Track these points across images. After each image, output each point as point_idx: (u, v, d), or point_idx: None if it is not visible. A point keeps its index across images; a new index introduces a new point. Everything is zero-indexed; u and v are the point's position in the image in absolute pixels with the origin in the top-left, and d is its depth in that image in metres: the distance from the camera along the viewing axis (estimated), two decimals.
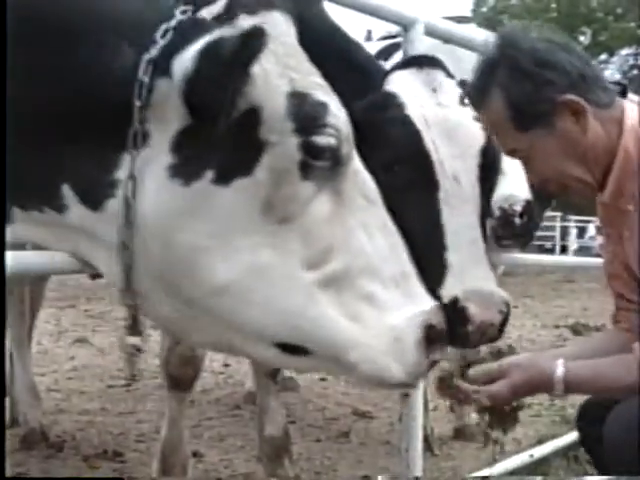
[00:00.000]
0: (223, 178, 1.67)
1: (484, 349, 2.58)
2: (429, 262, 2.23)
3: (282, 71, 1.72)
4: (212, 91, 1.60)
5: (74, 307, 9.75)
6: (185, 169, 1.66)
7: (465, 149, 2.60)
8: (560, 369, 2.23)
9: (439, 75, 2.72)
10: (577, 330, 9.17)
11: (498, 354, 2.40)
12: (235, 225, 1.69)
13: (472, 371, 2.31)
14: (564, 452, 4.16)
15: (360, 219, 1.79)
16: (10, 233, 1.81)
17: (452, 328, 1.97)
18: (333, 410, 5.47)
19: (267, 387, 3.84)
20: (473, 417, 4.85)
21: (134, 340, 1.85)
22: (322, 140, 1.70)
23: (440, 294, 2.37)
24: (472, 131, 2.62)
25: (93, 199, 1.72)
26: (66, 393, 5.67)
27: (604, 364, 2.31)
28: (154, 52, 1.65)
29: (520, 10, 33.10)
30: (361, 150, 1.90)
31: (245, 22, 1.79)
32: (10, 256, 1.69)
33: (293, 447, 3.94)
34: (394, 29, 4.55)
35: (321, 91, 1.76)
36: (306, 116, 1.70)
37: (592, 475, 3.99)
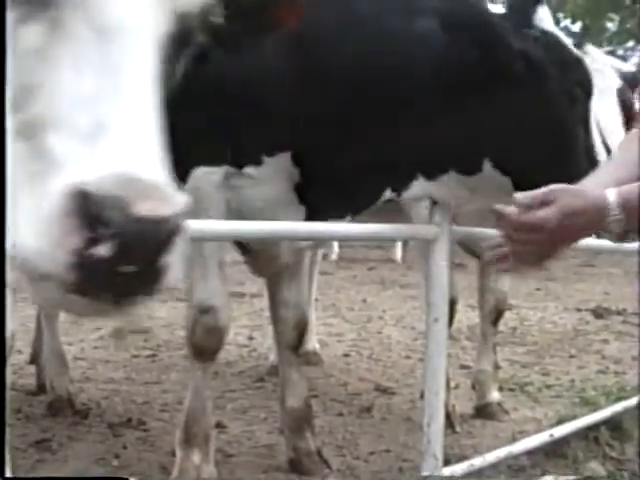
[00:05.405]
0: None
1: None
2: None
3: None
4: None
5: None
6: None
7: None
8: (612, 191, 2.00)
9: None
10: (598, 313, 9.11)
11: None
12: None
13: (520, 195, 2.07)
14: (584, 433, 4.18)
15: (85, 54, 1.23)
16: None
17: None
18: (356, 385, 5.51)
19: (289, 359, 3.89)
20: (494, 396, 4.89)
21: None
22: None
23: None
24: None
25: None
26: (92, 362, 5.75)
27: None
28: None
29: None
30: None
31: None
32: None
33: (315, 421, 3.99)
34: None
35: None
36: None
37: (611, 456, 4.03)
